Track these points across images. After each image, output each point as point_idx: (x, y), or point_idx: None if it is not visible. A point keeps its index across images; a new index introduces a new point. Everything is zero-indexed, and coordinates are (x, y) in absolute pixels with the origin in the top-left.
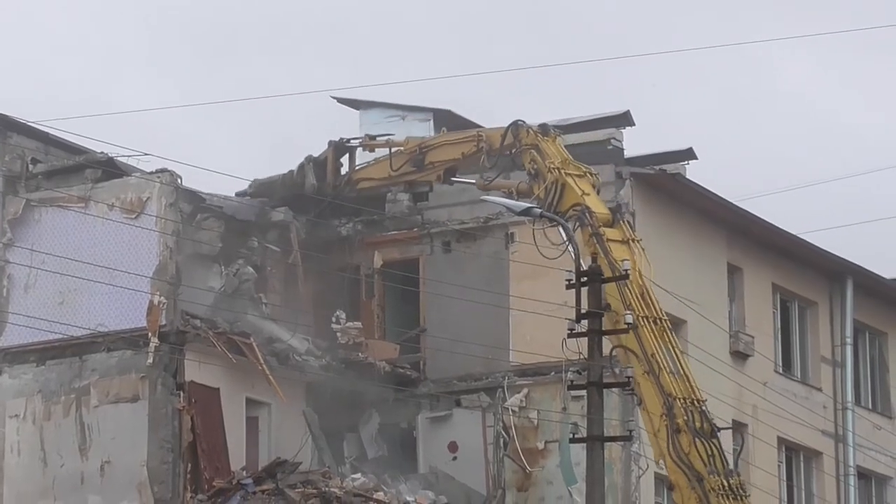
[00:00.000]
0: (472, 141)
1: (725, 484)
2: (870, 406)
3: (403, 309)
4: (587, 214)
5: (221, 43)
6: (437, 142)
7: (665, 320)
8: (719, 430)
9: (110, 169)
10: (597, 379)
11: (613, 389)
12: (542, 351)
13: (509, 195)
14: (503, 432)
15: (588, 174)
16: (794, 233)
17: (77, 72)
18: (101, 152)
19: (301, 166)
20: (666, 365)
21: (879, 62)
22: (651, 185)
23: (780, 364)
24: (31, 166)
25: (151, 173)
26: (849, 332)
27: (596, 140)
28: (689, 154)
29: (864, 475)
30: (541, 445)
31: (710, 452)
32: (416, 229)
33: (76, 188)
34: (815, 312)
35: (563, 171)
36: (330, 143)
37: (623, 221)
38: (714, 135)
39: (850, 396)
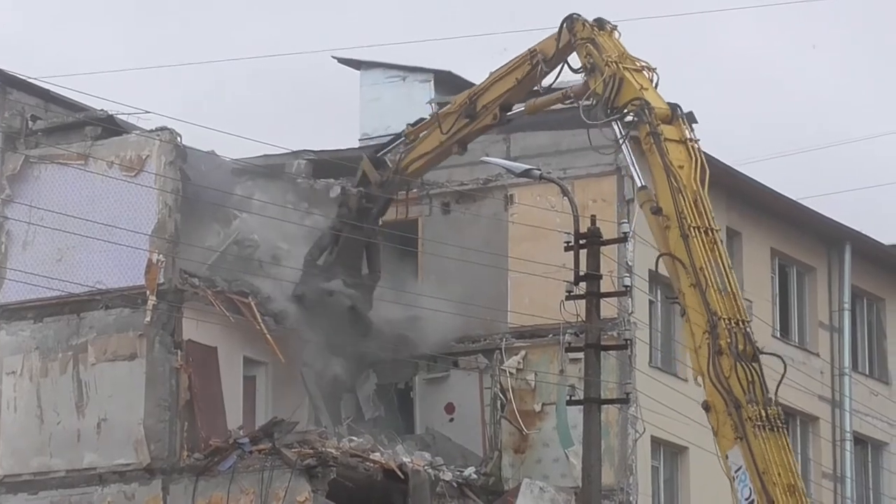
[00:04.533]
0: (525, 61)
1: (763, 414)
2: (867, 372)
3: (402, 269)
4: (646, 111)
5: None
6: (487, 83)
7: (717, 231)
8: (761, 352)
9: (110, 126)
10: (594, 341)
11: (611, 352)
12: (541, 313)
13: (564, 101)
14: (500, 394)
15: (646, 69)
16: (793, 198)
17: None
18: (101, 110)
19: (341, 202)
20: (713, 281)
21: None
22: None
23: (778, 329)
24: (30, 123)
25: (151, 131)
26: (847, 297)
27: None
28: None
29: (860, 440)
30: (538, 408)
31: (749, 379)
32: (415, 190)
33: (76, 145)
34: (814, 278)
35: (620, 65)
36: (363, 155)
37: (682, 119)
38: (712, 99)
39: (847, 362)
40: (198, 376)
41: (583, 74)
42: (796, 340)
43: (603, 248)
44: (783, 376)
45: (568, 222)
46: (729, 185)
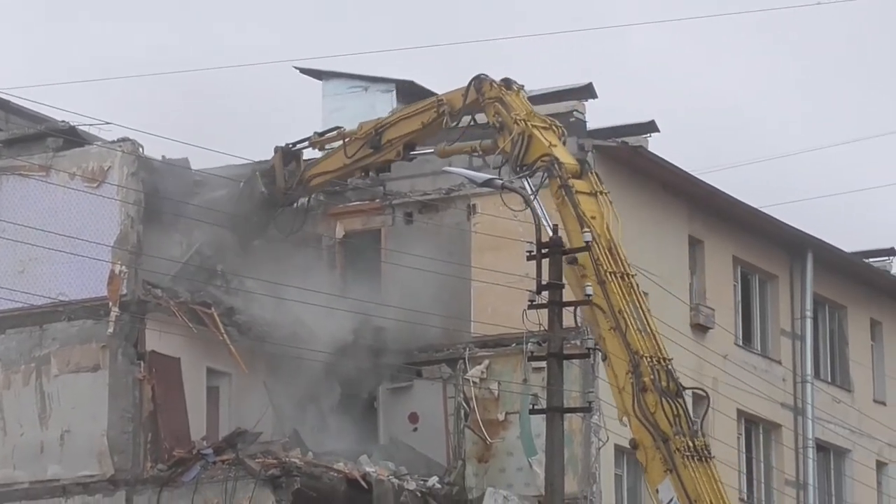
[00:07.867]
0: (432, 108)
1: (691, 445)
2: (829, 379)
3: (365, 279)
4: (556, 166)
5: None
6: (394, 118)
7: (632, 276)
8: (684, 389)
9: (72, 137)
10: (557, 350)
11: (574, 361)
12: (504, 322)
13: (472, 154)
14: (464, 403)
15: (553, 126)
16: (755, 206)
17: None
18: (63, 121)
19: (248, 179)
20: (633, 322)
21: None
22: (613, 157)
23: (741, 337)
24: None
25: (113, 142)
26: (808, 305)
27: (558, 112)
28: (651, 126)
29: (822, 448)
30: (501, 417)
31: (675, 412)
32: (378, 200)
33: (37, 157)
34: (776, 285)
35: (528, 123)
36: (276, 148)
37: (591, 173)
38: (676, 107)
39: (809, 369)
40: (161, 387)
41: (493, 131)
42: (758, 348)
43: (565, 258)
44: (706, 410)
45: (530, 232)
46: (691, 193)
